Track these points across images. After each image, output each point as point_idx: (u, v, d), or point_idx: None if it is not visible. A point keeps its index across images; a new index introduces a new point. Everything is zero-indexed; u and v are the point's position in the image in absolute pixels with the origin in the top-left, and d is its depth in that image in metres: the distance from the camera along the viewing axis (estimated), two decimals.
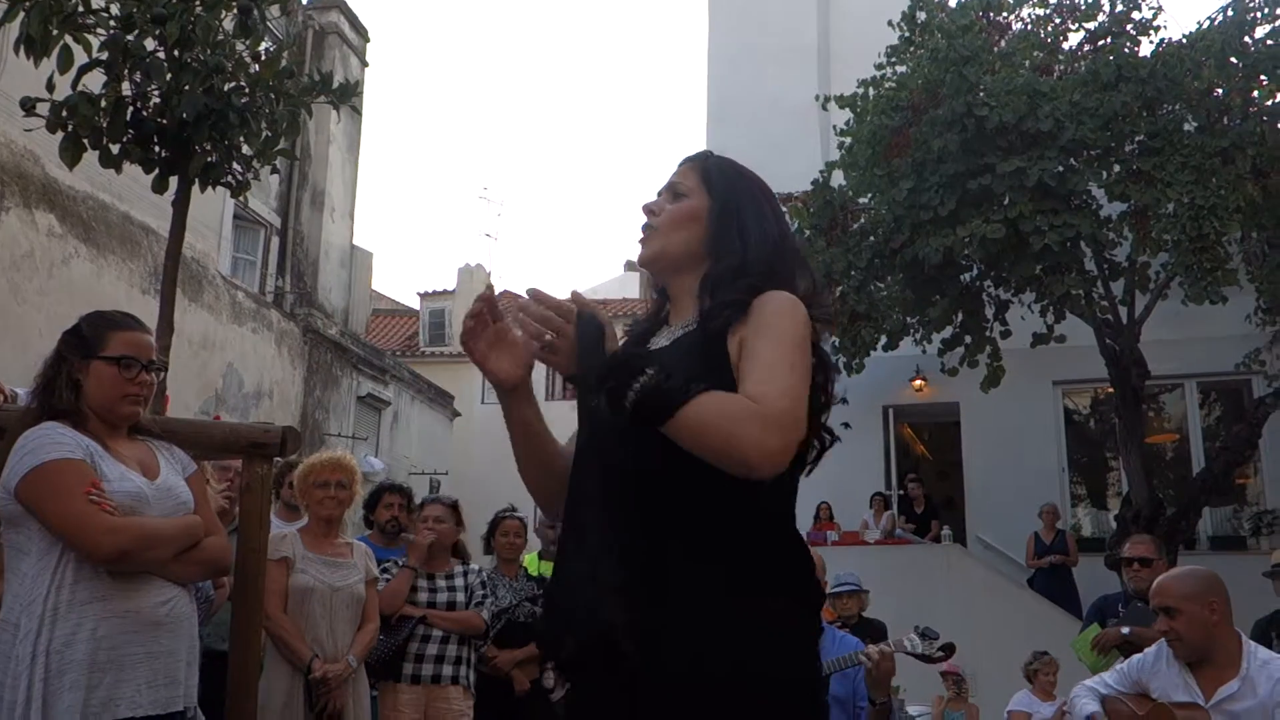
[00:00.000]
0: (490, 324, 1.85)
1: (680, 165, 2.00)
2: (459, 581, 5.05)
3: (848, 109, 11.18)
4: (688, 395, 1.57)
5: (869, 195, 10.88)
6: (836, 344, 11.01)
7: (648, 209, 1.96)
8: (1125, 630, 4.91)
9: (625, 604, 1.60)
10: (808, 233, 11.01)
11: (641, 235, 1.96)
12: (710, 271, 1.88)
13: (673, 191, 1.96)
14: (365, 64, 15.76)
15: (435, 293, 23.35)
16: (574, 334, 1.73)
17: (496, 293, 2.00)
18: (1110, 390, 11.25)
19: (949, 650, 3.76)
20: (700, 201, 1.92)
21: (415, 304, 24.31)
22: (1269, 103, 9.68)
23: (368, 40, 16.12)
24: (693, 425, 1.56)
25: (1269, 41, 9.59)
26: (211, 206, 11.49)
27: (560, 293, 1.79)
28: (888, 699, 3.58)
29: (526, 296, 1.79)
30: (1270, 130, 9.38)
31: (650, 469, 1.66)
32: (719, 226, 1.89)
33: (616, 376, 1.62)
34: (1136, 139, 9.69)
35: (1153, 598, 3.49)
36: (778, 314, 1.71)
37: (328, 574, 4.35)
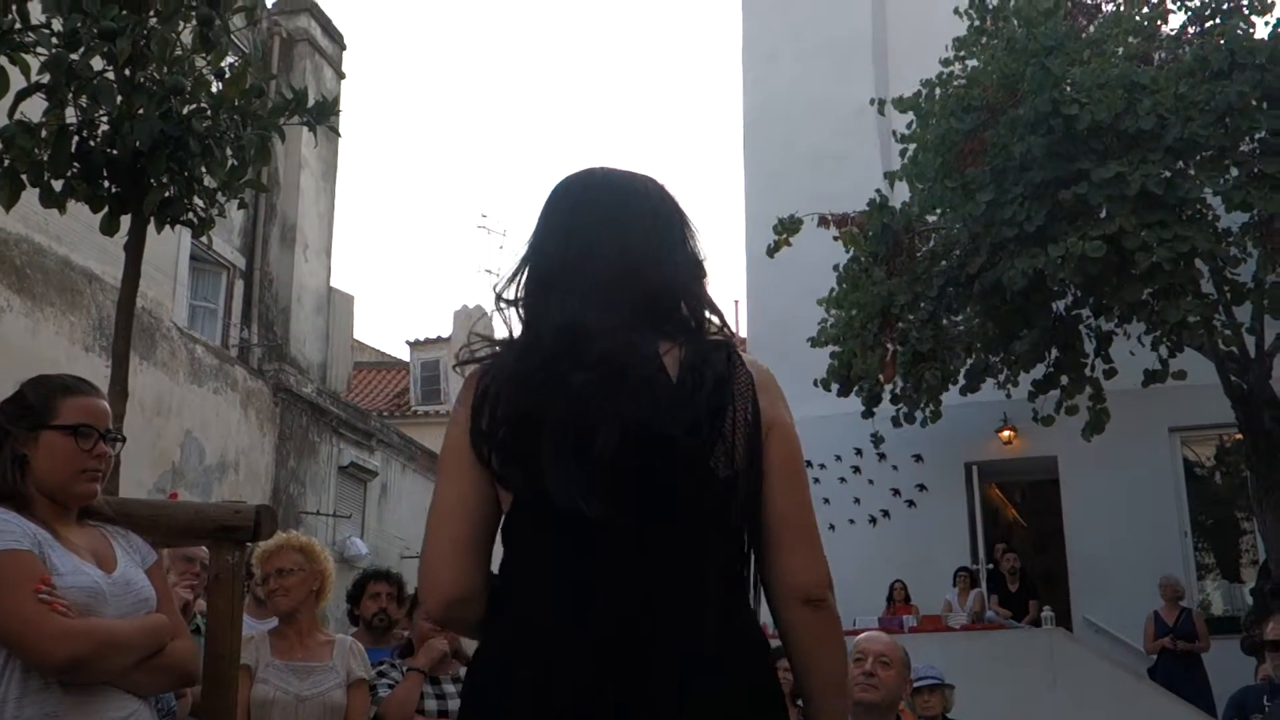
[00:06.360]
0: None
1: None
2: None
3: (909, 111, 11.23)
4: None
5: (938, 212, 10.90)
6: (897, 391, 10.97)
7: None
8: None
9: None
10: (863, 260, 11.03)
11: None
12: None
13: None
14: (341, 75, 15.99)
15: (427, 340, 23.44)
16: None
17: None
18: (1239, 437, 11.14)
19: None
20: None
21: (405, 355, 24.41)
22: None
23: (343, 48, 16.39)
24: None
25: None
26: (165, 247, 11.62)
27: None
28: None
29: None
30: None
31: None
32: None
33: None
34: (1256, 136, 9.68)
35: None
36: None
37: (294, 682, 4.36)
